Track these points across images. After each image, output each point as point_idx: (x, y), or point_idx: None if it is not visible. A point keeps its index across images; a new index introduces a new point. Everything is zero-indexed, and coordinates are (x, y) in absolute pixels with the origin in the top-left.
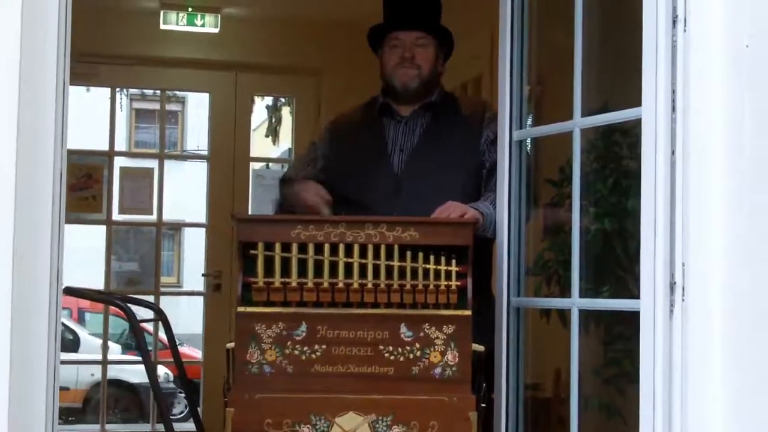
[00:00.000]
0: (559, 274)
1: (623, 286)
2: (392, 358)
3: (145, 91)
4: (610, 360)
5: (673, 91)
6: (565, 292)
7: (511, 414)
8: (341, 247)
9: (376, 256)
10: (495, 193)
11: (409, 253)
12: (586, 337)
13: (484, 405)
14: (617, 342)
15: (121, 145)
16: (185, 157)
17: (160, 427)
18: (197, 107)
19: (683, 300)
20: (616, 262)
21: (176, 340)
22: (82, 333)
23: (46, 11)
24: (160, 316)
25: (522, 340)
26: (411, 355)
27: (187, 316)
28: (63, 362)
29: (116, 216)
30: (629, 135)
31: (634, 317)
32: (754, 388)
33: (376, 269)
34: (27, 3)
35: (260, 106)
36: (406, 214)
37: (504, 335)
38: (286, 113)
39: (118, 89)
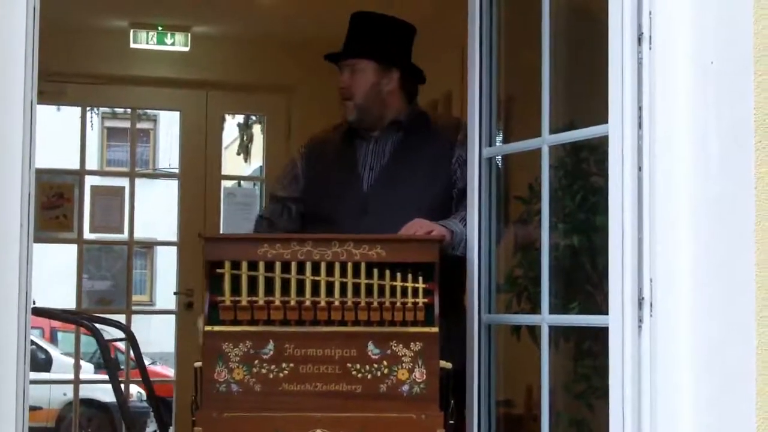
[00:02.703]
0: (529, 291)
1: (592, 301)
2: (360, 375)
3: (117, 109)
4: (580, 376)
5: (640, 108)
6: (535, 308)
7: (483, 431)
8: (308, 265)
9: (343, 273)
10: (465, 211)
11: (376, 271)
12: (556, 353)
13: (452, 422)
14: (587, 358)
15: (92, 163)
16: (156, 175)
17: None
18: (169, 125)
19: (651, 315)
20: (584, 278)
21: (145, 360)
22: (55, 352)
23: (12, 31)
24: (129, 336)
25: (493, 357)
26: (379, 373)
27: (159, 334)
28: (35, 382)
29: (87, 235)
30: (597, 151)
31: (603, 333)
32: (723, 402)
33: (344, 287)
34: None
35: (231, 124)
36: (372, 233)
37: (475, 352)
38: (257, 131)
39: (89, 108)
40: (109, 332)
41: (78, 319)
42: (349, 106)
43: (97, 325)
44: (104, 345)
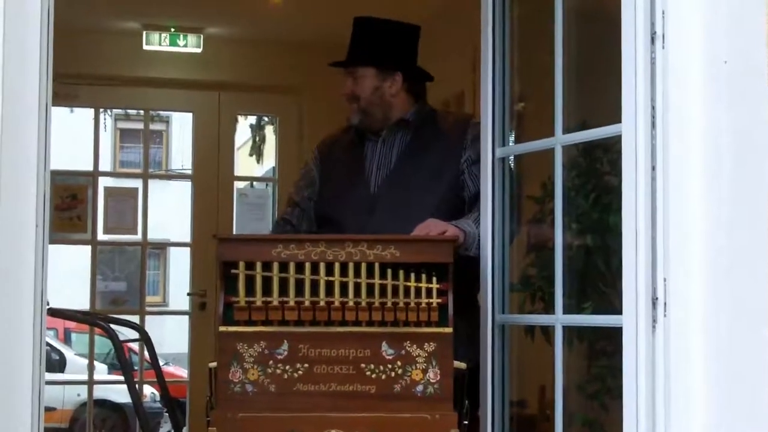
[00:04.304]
0: (543, 291)
1: (606, 301)
2: (374, 376)
3: (129, 111)
4: (593, 376)
5: (653, 108)
6: (549, 308)
7: (497, 431)
8: (322, 266)
9: (357, 274)
10: (478, 212)
11: (389, 271)
12: (570, 353)
13: (466, 422)
14: (601, 358)
15: (105, 165)
16: (169, 176)
17: None
18: (181, 126)
19: (665, 315)
20: (598, 277)
21: (160, 360)
22: (69, 353)
23: (27, 34)
24: (144, 336)
25: (507, 357)
26: (393, 373)
27: (173, 335)
28: (49, 382)
29: (101, 236)
30: (610, 151)
31: (617, 333)
32: (736, 402)
33: (357, 287)
34: (8, 25)
35: (244, 125)
36: (379, 233)
37: (489, 352)
38: (269, 132)
39: (102, 110)
40: (124, 333)
41: (94, 319)
42: (353, 110)
43: (112, 326)
44: (120, 346)
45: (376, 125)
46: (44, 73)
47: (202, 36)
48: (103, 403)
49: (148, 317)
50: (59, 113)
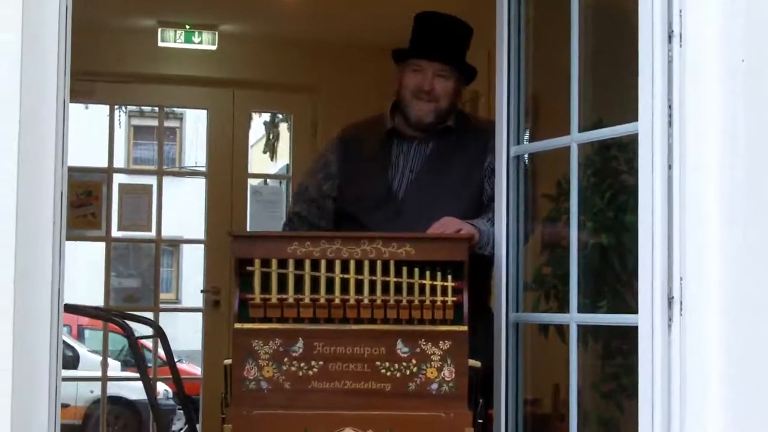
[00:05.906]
0: (558, 289)
1: (621, 300)
2: (389, 374)
3: (144, 108)
4: (608, 375)
5: (670, 106)
6: (564, 307)
7: (510, 430)
8: (337, 263)
9: (373, 272)
10: (493, 213)
11: (405, 269)
12: (585, 351)
13: (481, 421)
14: (616, 356)
15: (119, 161)
16: (183, 173)
17: None
18: (196, 123)
19: (681, 314)
20: (613, 276)
21: (175, 357)
22: (82, 350)
23: (45, 31)
24: (159, 333)
25: (521, 355)
26: (407, 371)
27: (186, 332)
28: (63, 379)
29: (115, 233)
30: (626, 150)
31: (632, 332)
32: (753, 402)
33: (373, 285)
34: (27, 22)
35: (258, 123)
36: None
37: (503, 350)
38: (283, 129)
39: (116, 106)
40: (139, 330)
41: (110, 316)
42: (427, 109)
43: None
44: (135, 342)
45: (432, 127)
46: (62, 70)
47: (217, 33)
48: (117, 400)
49: (161, 314)
50: (74, 110)
